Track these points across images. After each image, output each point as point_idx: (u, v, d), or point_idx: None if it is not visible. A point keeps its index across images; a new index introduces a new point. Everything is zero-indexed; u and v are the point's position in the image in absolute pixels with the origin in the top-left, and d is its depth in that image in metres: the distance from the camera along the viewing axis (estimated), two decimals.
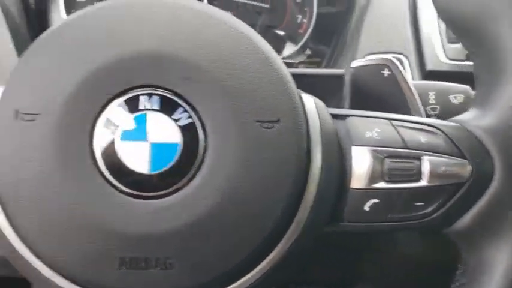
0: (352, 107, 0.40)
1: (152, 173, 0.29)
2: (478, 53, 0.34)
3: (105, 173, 0.28)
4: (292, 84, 0.30)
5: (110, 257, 0.28)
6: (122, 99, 0.29)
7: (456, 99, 0.44)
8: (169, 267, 0.29)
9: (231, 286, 0.30)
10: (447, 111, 0.44)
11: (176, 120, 0.29)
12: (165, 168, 0.29)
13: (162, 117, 0.29)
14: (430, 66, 0.60)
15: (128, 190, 0.28)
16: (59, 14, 0.67)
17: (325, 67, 0.70)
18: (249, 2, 0.70)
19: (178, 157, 0.29)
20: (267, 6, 0.71)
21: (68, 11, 0.67)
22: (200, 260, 0.29)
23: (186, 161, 0.29)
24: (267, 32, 0.70)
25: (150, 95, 0.29)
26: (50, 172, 0.28)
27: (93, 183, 0.28)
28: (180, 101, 0.29)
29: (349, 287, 0.59)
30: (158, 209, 0.28)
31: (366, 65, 0.40)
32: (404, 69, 0.61)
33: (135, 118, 0.29)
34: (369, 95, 0.40)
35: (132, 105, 0.29)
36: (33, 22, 0.66)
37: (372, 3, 0.66)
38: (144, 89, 0.29)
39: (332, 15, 0.71)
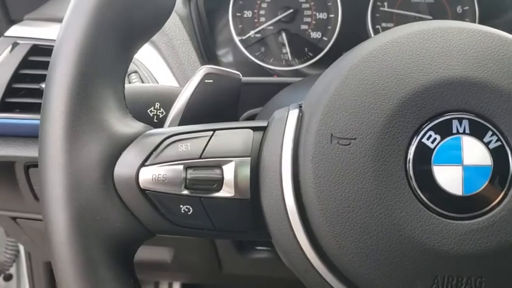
0: None
1: (465, 195, 0.29)
2: None
3: (419, 194, 0.29)
4: None
5: (423, 275, 0.30)
6: (433, 123, 0.30)
7: None
8: (478, 286, 0.30)
9: None
10: None
11: (486, 144, 0.30)
12: (477, 191, 0.29)
13: (474, 140, 0.30)
14: None
15: (441, 211, 0.29)
16: (228, 28, 0.71)
17: None
18: (412, 13, 0.70)
19: (489, 180, 0.29)
20: (429, 17, 0.70)
21: (236, 25, 0.70)
22: (509, 279, 0.30)
23: (497, 184, 0.29)
24: None
25: (460, 119, 0.30)
26: (365, 193, 0.30)
27: (407, 203, 0.29)
28: (488, 125, 0.30)
29: None
30: (470, 230, 0.29)
31: None
32: None
33: (449, 142, 0.30)
34: None
35: (445, 129, 0.30)
36: (204, 35, 0.69)
37: None
38: (454, 113, 0.30)
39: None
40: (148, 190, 0.32)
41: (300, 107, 0.34)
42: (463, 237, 0.29)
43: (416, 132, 0.30)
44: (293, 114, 0.33)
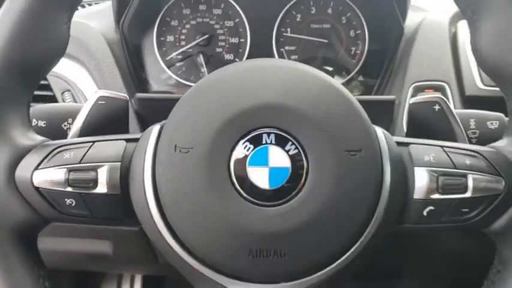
0: (409, 135, 0.49)
1: (271, 188, 0.39)
2: (510, 96, 0.43)
3: (238, 188, 0.39)
4: (368, 120, 0.41)
5: (242, 248, 0.39)
6: (249, 136, 0.39)
7: (493, 125, 0.53)
8: (283, 256, 0.39)
9: (324, 270, 0.40)
10: (485, 134, 0.53)
11: (287, 151, 0.39)
12: (279, 186, 0.39)
13: (277, 149, 0.39)
14: (468, 92, 0.68)
15: (254, 200, 0.39)
16: (153, 50, 0.80)
17: (376, 94, 0.78)
18: (311, 38, 0.80)
19: (288, 177, 0.39)
20: (325, 41, 0.81)
21: (160, 48, 0.80)
22: (304, 251, 0.39)
23: (294, 180, 0.39)
24: (324, 68, 0.81)
25: (268, 133, 0.39)
26: (198, 189, 0.39)
27: (229, 195, 0.39)
28: (289, 137, 0.39)
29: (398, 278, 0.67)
30: (275, 214, 0.39)
31: (421, 102, 0.50)
32: (446, 94, 0.70)
33: (259, 150, 0.39)
34: (423, 124, 0.50)
35: (257, 140, 0.39)
36: (131, 57, 0.79)
37: (417, 38, 0.74)
38: (264, 129, 0.40)
39: (380, 51, 0.80)
40: (40, 188, 0.41)
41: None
42: (270, 220, 0.39)
43: (237, 143, 0.39)
44: (156, 129, 0.43)
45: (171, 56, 0.81)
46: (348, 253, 0.40)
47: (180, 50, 0.81)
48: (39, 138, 0.44)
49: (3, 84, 0.42)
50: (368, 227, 0.40)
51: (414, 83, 0.71)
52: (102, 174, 0.41)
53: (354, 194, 0.39)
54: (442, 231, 0.45)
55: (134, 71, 0.77)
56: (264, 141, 0.39)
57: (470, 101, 0.69)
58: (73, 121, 0.53)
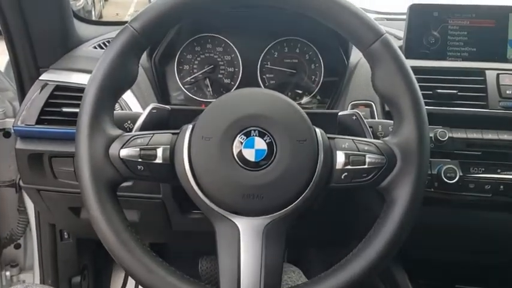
0: (339, 134, 0.77)
1: (256, 160, 0.65)
2: (393, 111, 0.71)
3: (237, 161, 0.65)
4: (310, 123, 0.67)
5: (238, 193, 0.65)
6: (243, 132, 0.66)
7: (392, 129, 0.81)
8: (261, 198, 0.65)
9: (286, 209, 0.66)
10: (387, 134, 0.81)
11: (265, 140, 0.66)
12: (260, 159, 0.65)
13: (259, 139, 0.66)
14: (386, 108, 0.94)
15: (246, 167, 0.65)
16: (174, 76, 1.05)
17: (328, 108, 1.02)
18: (284, 69, 1.03)
19: (265, 155, 0.65)
20: (294, 71, 1.04)
21: (179, 74, 1.05)
22: (273, 195, 0.66)
23: (268, 157, 0.65)
24: (293, 90, 1.06)
25: (254, 130, 0.66)
26: (215, 160, 0.65)
27: (232, 163, 0.65)
28: (266, 132, 0.66)
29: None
30: (257, 175, 0.65)
31: (345, 114, 0.78)
32: (373, 109, 0.96)
33: (249, 139, 0.66)
34: (346, 128, 0.78)
35: (248, 134, 0.66)
36: (159, 80, 1.03)
37: (355, 71, 0.99)
38: (252, 127, 0.66)
39: (331, 79, 1.03)
40: (124, 159, 0.66)
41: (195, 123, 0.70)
42: (255, 178, 0.65)
43: (236, 135, 0.65)
44: (189, 127, 0.69)
45: (186, 80, 1.03)
46: (299, 199, 0.65)
47: (193, 76, 1.02)
48: (120, 131, 0.70)
49: (102, 99, 0.67)
50: (310, 184, 0.65)
51: (352, 101, 0.96)
52: (159, 152, 0.66)
53: (302, 165, 0.66)
54: (353, 188, 0.72)
55: (161, 89, 1.02)
56: (252, 135, 0.65)
57: (388, 113, 0.92)
58: (131, 122, 0.80)
